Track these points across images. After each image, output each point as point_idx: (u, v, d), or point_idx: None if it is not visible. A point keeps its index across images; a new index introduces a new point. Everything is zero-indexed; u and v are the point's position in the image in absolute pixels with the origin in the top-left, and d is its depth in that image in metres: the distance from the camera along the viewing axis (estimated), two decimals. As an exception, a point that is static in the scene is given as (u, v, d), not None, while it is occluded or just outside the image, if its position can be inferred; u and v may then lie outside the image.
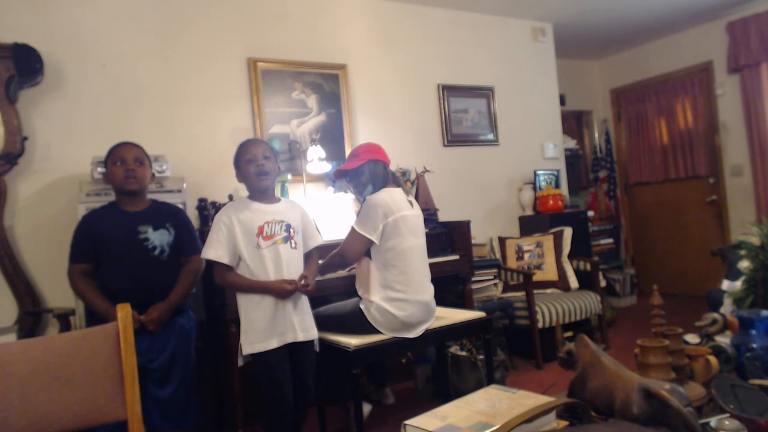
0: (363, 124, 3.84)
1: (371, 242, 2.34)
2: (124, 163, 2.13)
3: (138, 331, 1.81)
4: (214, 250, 2.08)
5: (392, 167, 2.64)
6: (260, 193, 2.20)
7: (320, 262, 2.50)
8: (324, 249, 2.66)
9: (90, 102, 2.98)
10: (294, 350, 2.15)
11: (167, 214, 2.24)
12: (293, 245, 2.18)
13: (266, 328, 2.08)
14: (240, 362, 2.14)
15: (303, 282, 2.10)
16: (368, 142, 2.65)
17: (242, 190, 2.45)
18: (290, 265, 2.15)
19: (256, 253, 2.10)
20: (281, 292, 2.07)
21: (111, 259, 2.10)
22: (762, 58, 4.69)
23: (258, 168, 2.14)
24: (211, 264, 2.14)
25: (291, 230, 2.18)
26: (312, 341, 2.23)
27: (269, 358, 2.07)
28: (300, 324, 2.15)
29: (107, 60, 3.04)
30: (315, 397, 2.33)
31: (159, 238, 2.16)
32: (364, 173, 2.49)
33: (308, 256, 2.31)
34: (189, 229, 2.29)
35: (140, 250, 2.12)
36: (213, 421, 2.80)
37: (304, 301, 2.22)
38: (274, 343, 2.07)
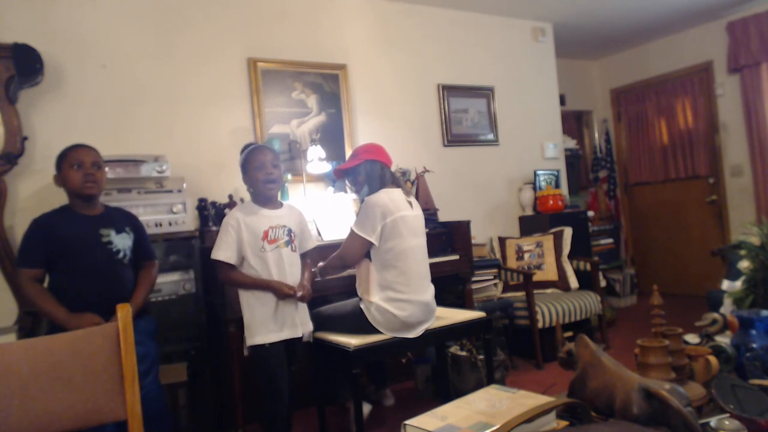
0: (363, 124, 3.84)
1: (370, 243, 2.35)
2: (81, 167, 2.06)
3: None
4: (224, 252, 2.18)
5: (392, 167, 2.64)
6: (266, 198, 2.28)
7: (320, 264, 2.53)
8: (324, 249, 2.67)
9: (90, 102, 2.98)
10: (290, 345, 2.24)
11: (125, 219, 2.22)
12: (293, 248, 2.29)
13: (267, 322, 2.18)
14: (246, 352, 2.24)
15: (300, 294, 2.20)
16: (370, 142, 2.65)
17: (241, 191, 2.47)
18: (291, 267, 2.26)
19: (261, 256, 2.19)
20: (280, 293, 2.17)
21: (72, 264, 2.01)
22: (762, 58, 4.69)
23: (267, 176, 2.23)
24: (213, 264, 2.23)
25: (292, 234, 2.28)
26: (301, 337, 2.29)
27: (268, 351, 2.16)
28: (300, 319, 2.25)
29: (107, 60, 3.04)
30: (299, 398, 2.40)
31: (122, 242, 2.13)
32: (361, 173, 2.51)
33: (302, 258, 2.37)
34: (145, 234, 2.28)
35: (105, 254, 2.07)
36: (213, 421, 2.80)
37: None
38: (274, 337, 2.17)
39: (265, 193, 2.26)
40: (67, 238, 2.03)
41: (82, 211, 2.11)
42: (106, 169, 2.27)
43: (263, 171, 2.22)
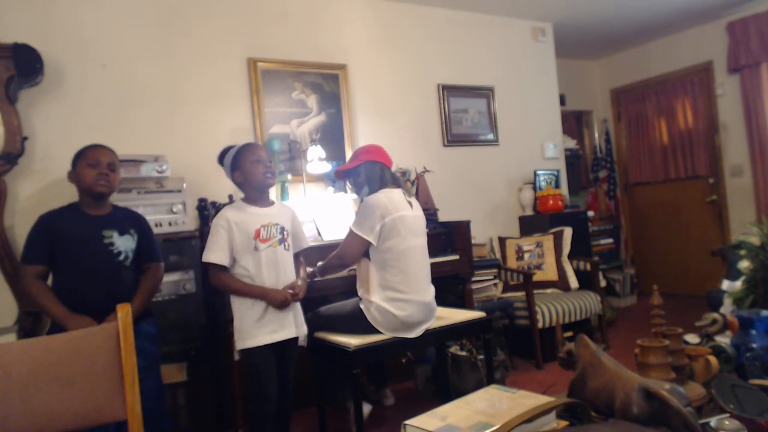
0: (363, 124, 3.84)
1: (369, 243, 2.35)
2: (97, 166, 2.08)
3: None
4: (215, 254, 2.14)
5: (392, 167, 2.64)
6: (258, 195, 2.26)
7: (320, 263, 2.53)
8: (324, 250, 2.67)
9: (90, 102, 2.98)
10: (282, 347, 2.21)
11: (131, 220, 2.21)
12: (287, 247, 2.26)
13: (257, 325, 2.14)
14: (236, 356, 2.21)
15: (293, 293, 2.18)
16: (370, 143, 2.65)
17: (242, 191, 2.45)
18: (285, 266, 2.23)
19: (254, 256, 2.16)
20: (275, 302, 2.14)
21: (73, 263, 2.02)
22: (762, 58, 4.69)
23: (266, 169, 2.22)
24: (206, 266, 2.20)
25: (284, 233, 2.25)
26: (296, 339, 2.27)
27: (257, 353, 2.13)
28: (293, 321, 2.22)
29: (107, 60, 3.04)
30: (294, 397, 2.37)
31: (124, 243, 2.12)
32: (361, 174, 2.52)
33: (296, 257, 2.36)
34: (150, 236, 2.27)
35: (105, 255, 2.07)
36: (213, 421, 2.80)
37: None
38: (263, 340, 2.14)
39: (261, 187, 2.24)
40: (70, 237, 2.03)
41: (89, 210, 2.12)
42: (122, 171, 2.29)
43: (262, 164, 2.22)
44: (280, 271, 2.19)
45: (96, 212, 2.12)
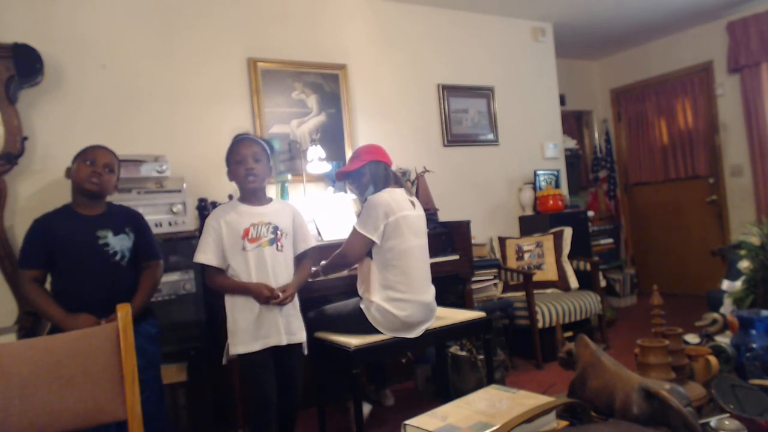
0: (363, 124, 3.84)
1: (372, 242, 2.35)
2: (93, 165, 2.07)
3: None
4: (204, 254, 2.13)
5: (392, 167, 2.64)
6: (250, 194, 2.21)
7: (323, 262, 2.52)
8: (324, 250, 2.67)
9: (90, 102, 2.98)
10: (280, 354, 2.16)
11: (126, 219, 2.17)
12: (279, 247, 2.18)
13: (250, 330, 2.10)
14: (224, 360, 2.19)
15: (280, 295, 2.10)
16: (370, 143, 2.66)
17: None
18: (275, 268, 2.15)
19: (242, 255, 2.12)
20: (259, 296, 2.08)
21: (68, 265, 2.02)
22: (762, 58, 4.69)
23: (247, 170, 2.15)
24: (202, 266, 2.18)
25: (278, 232, 2.18)
26: (299, 344, 2.22)
27: (252, 359, 2.10)
28: (285, 327, 2.15)
29: (107, 60, 3.04)
30: (302, 400, 2.32)
31: (120, 243, 2.10)
32: (365, 174, 2.50)
33: (300, 259, 2.31)
34: (148, 234, 2.23)
35: (101, 256, 2.05)
36: (213, 421, 2.80)
37: (293, 304, 2.21)
38: (257, 346, 2.10)
39: (246, 188, 2.18)
40: (64, 239, 2.02)
41: (82, 210, 2.09)
42: (122, 171, 2.27)
43: (243, 166, 2.14)
44: (269, 272, 2.12)
45: (89, 212, 2.10)
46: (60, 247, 2.01)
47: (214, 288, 2.22)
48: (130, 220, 2.19)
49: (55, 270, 2.05)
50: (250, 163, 2.15)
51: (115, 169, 2.16)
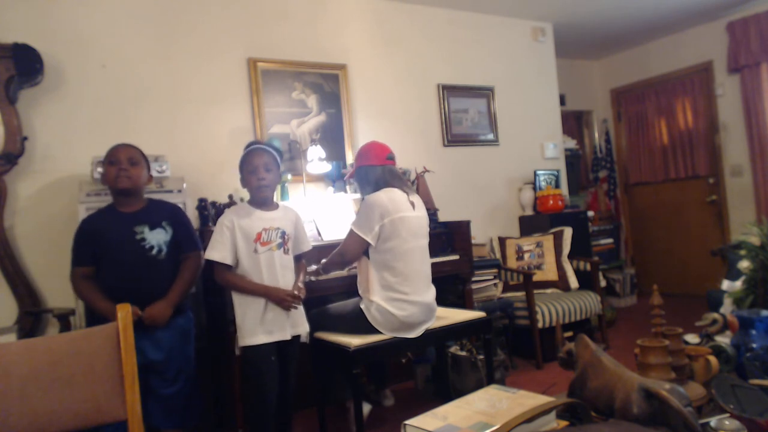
0: (363, 124, 3.84)
1: (368, 243, 2.36)
2: (116, 163, 2.13)
3: (138, 328, 1.80)
4: (219, 252, 2.19)
5: (394, 164, 2.63)
6: (260, 200, 2.29)
7: (323, 261, 2.54)
8: (324, 250, 2.68)
9: (90, 102, 2.98)
10: (282, 347, 2.23)
11: (163, 213, 2.23)
12: (286, 250, 2.28)
13: (256, 323, 2.17)
14: (237, 351, 2.24)
15: (297, 294, 2.22)
16: (368, 141, 2.65)
17: (242, 191, 2.46)
18: (283, 269, 2.25)
19: (253, 258, 2.20)
20: (281, 301, 2.18)
21: (110, 262, 2.10)
22: (762, 58, 4.69)
23: (258, 181, 2.24)
24: (211, 264, 2.22)
25: (285, 236, 2.27)
26: (299, 336, 2.29)
27: (256, 351, 2.16)
28: (290, 321, 2.23)
29: (107, 60, 3.04)
30: (302, 400, 2.41)
31: (156, 237, 2.15)
32: (356, 181, 2.60)
33: (298, 260, 2.38)
34: (187, 226, 2.28)
35: (138, 251, 2.11)
36: (213, 421, 2.80)
37: None
38: (261, 339, 2.16)
39: (256, 197, 2.28)
40: (106, 237, 2.10)
41: (122, 208, 2.16)
42: (155, 168, 2.35)
43: (255, 176, 2.23)
44: (278, 274, 2.21)
45: (129, 209, 2.16)
46: (102, 245, 2.09)
47: (225, 285, 2.27)
48: (168, 214, 2.23)
49: (100, 267, 2.11)
50: (261, 173, 2.24)
51: (140, 161, 2.20)
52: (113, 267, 2.10)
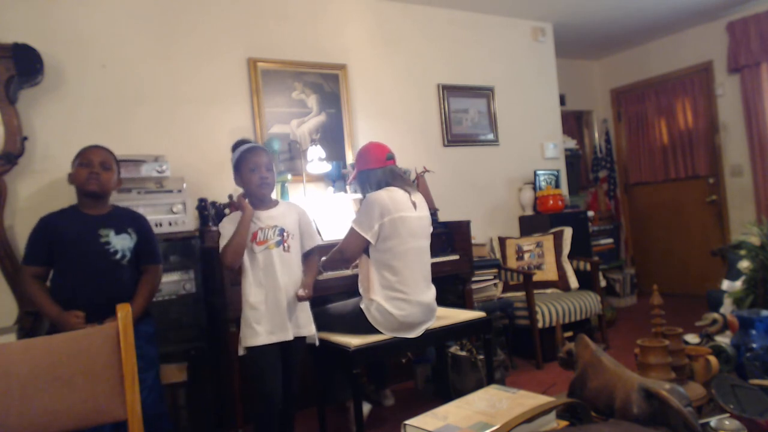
0: (363, 124, 3.84)
1: (367, 241, 2.35)
2: (89, 166, 2.10)
3: None
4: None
5: (395, 164, 2.63)
6: (259, 199, 2.25)
7: (323, 258, 2.53)
8: (324, 250, 2.68)
9: (90, 102, 2.98)
10: (286, 347, 2.20)
11: (129, 219, 2.21)
12: (286, 248, 2.21)
13: (259, 323, 2.14)
14: (240, 351, 2.22)
15: (303, 293, 2.18)
16: (367, 143, 2.64)
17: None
18: (284, 267, 2.19)
19: (252, 258, 2.17)
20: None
21: (69, 263, 2.05)
22: (762, 58, 4.69)
23: (261, 180, 2.20)
24: (212, 264, 2.18)
25: (285, 234, 2.21)
26: (304, 338, 2.25)
27: (260, 351, 2.13)
28: (294, 323, 2.20)
29: (107, 60, 3.04)
30: (302, 400, 2.36)
31: (121, 242, 2.12)
32: (358, 185, 2.60)
33: (307, 256, 2.32)
34: (150, 237, 2.26)
35: (101, 254, 2.08)
36: (213, 421, 2.80)
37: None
38: (264, 339, 2.13)
39: (257, 196, 2.23)
40: (67, 237, 2.05)
41: (87, 210, 2.13)
42: (122, 171, 2.30)
43: (258, 174, 2.19)
44: (276, 272, 2.16)
45: (94, 212, 2.13)
46: (62, 245, 2.04)
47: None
48: (134, 222, 2.21)
49: (56, 267, 2.07)
50: (264, 172, 2.21)
51: (113, 166, 2.18)
52: (73, 268, 2.04)
